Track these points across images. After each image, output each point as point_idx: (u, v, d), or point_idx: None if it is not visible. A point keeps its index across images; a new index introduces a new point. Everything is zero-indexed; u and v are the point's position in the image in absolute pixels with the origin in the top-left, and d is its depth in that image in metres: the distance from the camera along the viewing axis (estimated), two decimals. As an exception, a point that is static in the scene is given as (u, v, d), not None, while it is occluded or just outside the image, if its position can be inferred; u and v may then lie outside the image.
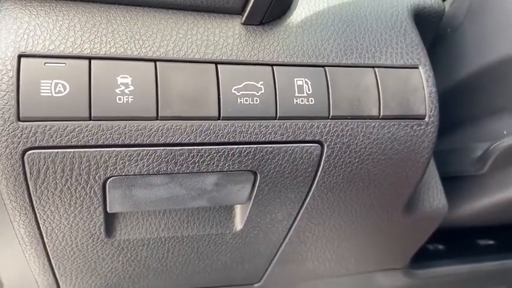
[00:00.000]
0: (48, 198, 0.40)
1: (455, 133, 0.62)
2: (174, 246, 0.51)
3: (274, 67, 0.42)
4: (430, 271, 0.75)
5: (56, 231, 0.43)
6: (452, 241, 0.85)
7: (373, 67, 0.45)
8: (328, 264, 0.64)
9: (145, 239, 0.48)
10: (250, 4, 0.41)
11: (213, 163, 0.41)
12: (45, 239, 0.44)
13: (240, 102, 0.40)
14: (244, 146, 0.41)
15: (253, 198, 0.46)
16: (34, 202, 0.40)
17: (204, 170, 0.41)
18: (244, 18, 0.43)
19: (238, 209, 0.50)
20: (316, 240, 0.57)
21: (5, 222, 0.44)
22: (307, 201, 0.48)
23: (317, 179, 0.46)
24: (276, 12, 0.43)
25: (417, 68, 0.46)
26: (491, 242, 0.89)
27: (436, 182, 0.57)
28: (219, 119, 0.40)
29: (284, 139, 0.42)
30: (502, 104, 0.55)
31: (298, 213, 0.50)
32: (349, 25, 0.46)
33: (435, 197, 0.56)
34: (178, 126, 0.39)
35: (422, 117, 0.46)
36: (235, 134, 0.41)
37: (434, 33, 0.57)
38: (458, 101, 0.60)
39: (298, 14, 0.45)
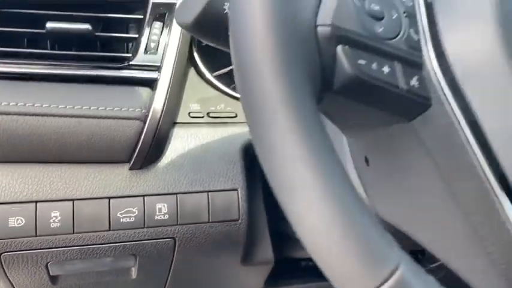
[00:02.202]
0: (15, 273, 0.71)
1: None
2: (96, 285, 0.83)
3: (145, 197, 0.73)
4: None
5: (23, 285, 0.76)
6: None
7: (207, 192, 0.76)
8: None
9: (78, 283, 0.81)
10: (134, 157, 0.72)
11: (105, 254, 0.73)
12: None
13: (122, 221, 0.71)
14: (126, 243, 0.73)
15: (137, 264, 0.78)
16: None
17: (102, 256, 0.73)
18: (130, 166, 0.73)
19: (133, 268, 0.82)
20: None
21: None
22: (172, 267, 0.80)
23: (175, 256, 0.78)
24: (150, 161, 0.74)
25: (236, 190, 0.78)
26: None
27: (266, 244, 0.90)
28: (109, 231, 0.71)
29: (151, 238, 0.74)
30: None
31: (168, 275, 0.82)
32: (195, 164, 0.76)
33: (264, 253, 0.89)
34: (87, 235, 0.70)
35: (236, 220, 0.77)
36: (119, 237, 0.72)
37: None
38: None
39: (165, 159, 0.75)
